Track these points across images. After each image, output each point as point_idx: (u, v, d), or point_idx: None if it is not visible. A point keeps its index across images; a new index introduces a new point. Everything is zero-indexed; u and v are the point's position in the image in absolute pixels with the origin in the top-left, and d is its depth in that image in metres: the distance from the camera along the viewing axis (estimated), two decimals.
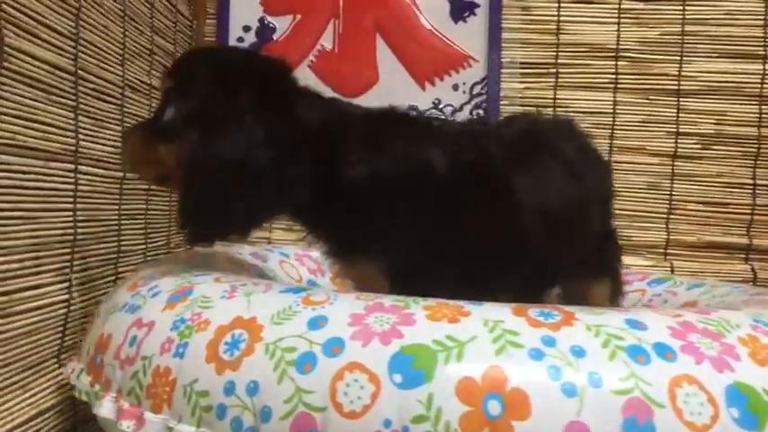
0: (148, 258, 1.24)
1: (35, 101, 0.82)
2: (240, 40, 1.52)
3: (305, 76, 1.48)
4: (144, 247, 1.21)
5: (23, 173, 0.79)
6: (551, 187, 0.88)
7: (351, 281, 0.92)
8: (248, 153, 0.74)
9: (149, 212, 1.23)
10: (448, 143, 0.85)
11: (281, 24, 1.53)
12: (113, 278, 1.07)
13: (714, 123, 1.49)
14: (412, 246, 0.81)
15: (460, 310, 0.60)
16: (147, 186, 1.20)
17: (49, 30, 0.84)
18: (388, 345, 0.56)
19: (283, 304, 0.64)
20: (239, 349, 0.60)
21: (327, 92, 1.46)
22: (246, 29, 1.53)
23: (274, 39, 1.52)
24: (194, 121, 0.78)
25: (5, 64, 0.75)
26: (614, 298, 1.06)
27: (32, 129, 0.81)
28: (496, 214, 0.84)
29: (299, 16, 1.52)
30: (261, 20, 1.52)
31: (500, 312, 0.59)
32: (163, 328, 0.67)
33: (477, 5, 1.51)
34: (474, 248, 0.82)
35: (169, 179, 0.85)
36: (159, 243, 1.29)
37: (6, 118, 0.76)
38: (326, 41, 1.52)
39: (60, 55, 0.87)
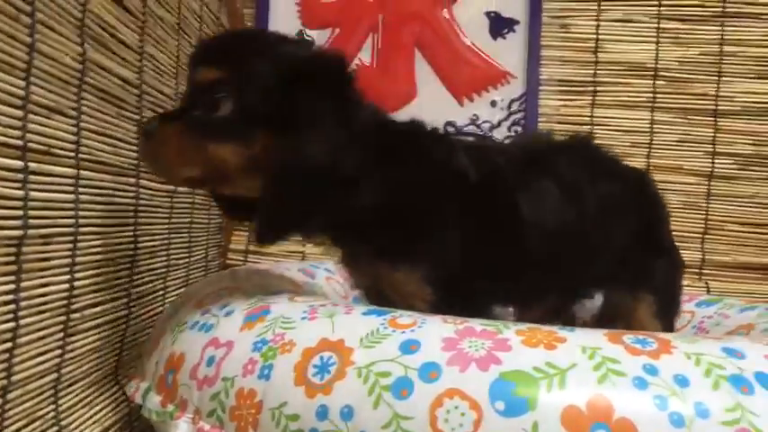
0: (191, 272, 1.23)
1: (108, 115, 0.82)
2: None
3: None
4: (187, 260, 1.21)
5: (97, 188, 0.79)
6: (543, 202, 0.90)
7: (364, 288, 0.91)
8: (336, 157, 0.72)
9: (193, 226, 1.22)
10: (473, 156, 0.88)
11: (320, 38, 1.53)
12: (163, 293, 1.06)
13: (751, 144, 1.49)
14: (453, 251, 0.83)
15: (555, 336, 0.59)
16: (192, 200, 1.20)
17: (120, 43, 0.84)
18: (486, 371, 0.56)
19: (370, 327, 0.63)
20: (330, 372, 0.59)
21: None
22: None
23: None
24: (265, 121, 0.73)
25: (87, 79, 0.75)
26: (661, 315, 1.04)
27: (106, 143, 0.81)
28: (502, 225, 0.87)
29: (337, 30, 1.53)
30: (299, 33, 1.53)
31: (595, 339, 0.59)
32: (243, 349, 0.66)
33: (517, 22, 1.51)
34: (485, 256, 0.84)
35: (206, 182, 0.79)
36: (199, 257, 1.29)
37: (86, 133, 0.76)
38: (365, 56, 1.52)
39: (127, 68, 0.87)
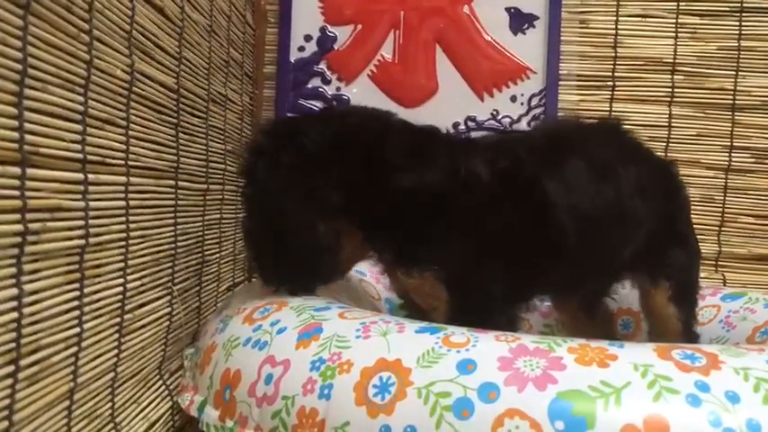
0: (222, 266, 1.25)
1: (151, 121, 0.83)
2: (301, 48, 1.53)
3: (365, 85, 1.52)
4: (218, 255, 1.23)
5: (143, 192, 0.81)
6: (575, 187, 0.91)
7: (401, 293, 0.98)
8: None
9: (222, 221, 1.24)
10: (489, 155, 0.91)
11: (342, 34, 1.53)
12: (198, 288, 1.08)
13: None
14: (465, 252, 0.86)
15: (605, 353, 0.61)
16: (221, 197, 1.22)
17: (161, 50, 0.85)
18: (543, 390, 0.58)
19: (425, 346, 0.65)
20: (390, 393, 0.61)
21: (386, 102, 1.50)
22: (308, 38, 1.53)
23: (335, 48, 1.53)
24: None
25: (134, 89, 0.76)
26: (678, 301, 1.06)
27: (148, 149, 0.82)
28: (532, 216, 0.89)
29: (359, 26, 1.53)
30: (322, 29, 1.53)
31: (645, 355, 0.61)
32: (301, 368, 0.68)
33: (537, 18, 1.52)
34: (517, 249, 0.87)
35: None
36: (228, 250, 1.31)
37: (133, 141, 0.77)
38: (387, 52, 1.53)
39: (167, 74, 0.88)
